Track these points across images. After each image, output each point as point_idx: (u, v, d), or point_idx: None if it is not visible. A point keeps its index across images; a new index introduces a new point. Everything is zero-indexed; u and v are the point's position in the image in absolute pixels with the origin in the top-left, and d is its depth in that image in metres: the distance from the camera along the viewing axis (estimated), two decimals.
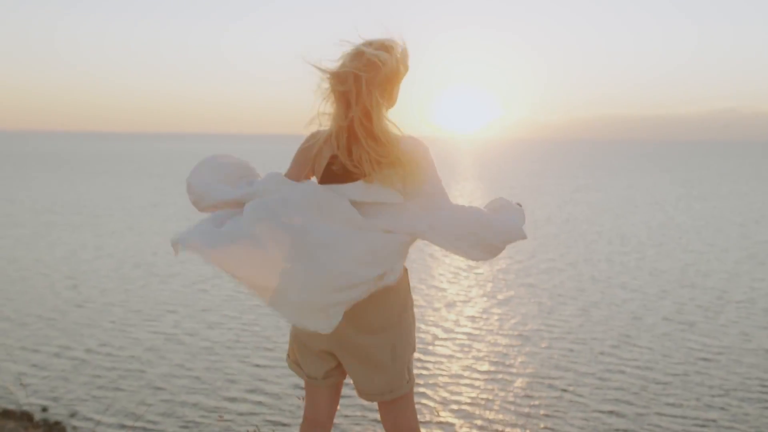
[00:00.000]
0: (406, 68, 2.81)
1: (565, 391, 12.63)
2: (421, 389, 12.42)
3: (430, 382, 12.85)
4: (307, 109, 2.82)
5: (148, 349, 14.64)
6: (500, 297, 19.64)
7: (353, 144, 2.68)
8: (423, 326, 16.42)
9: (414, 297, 15.96)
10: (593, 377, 13.25)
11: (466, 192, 58.26)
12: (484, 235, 2.72)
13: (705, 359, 14.34)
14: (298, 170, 2.86)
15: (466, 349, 14.93)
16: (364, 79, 2.64)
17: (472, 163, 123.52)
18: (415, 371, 13.08)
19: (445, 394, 12.30)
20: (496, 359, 14.27)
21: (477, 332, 16.17)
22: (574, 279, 22.33)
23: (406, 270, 2.88)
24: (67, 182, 61.61)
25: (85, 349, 14.63)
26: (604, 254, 27.20)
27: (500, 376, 13.32)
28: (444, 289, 20.33)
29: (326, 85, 2.72)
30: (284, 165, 2.92)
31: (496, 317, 17.46)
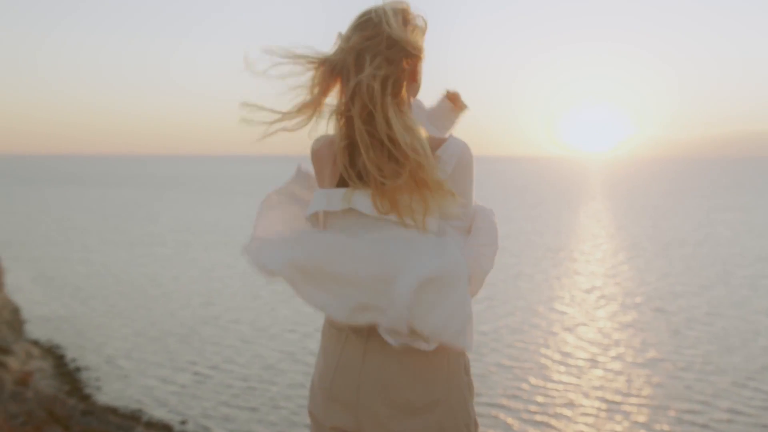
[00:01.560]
0: (421, 47, 1.97)
1: (695, 425, 11.83)
2: (539, 417, 12.01)
3: (548, 411, 12.42)
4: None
5: (269, 366, 15.07)
6: (625, 321, 18.77)
7: (356, 155, 1.90)
8: (543, 350, 15.92)
9: (534, 319, 15.66)
10: (732, 413, 12.35)
11: (593, 211, 56.39)
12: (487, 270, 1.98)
13: None
14: (323, 180, 2.07)
15: (587, 375, 14.34)
16: (369, 55, 1.86)
17: (602, 182, 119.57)
18: (534, 398, 12.69)
19: (564, 424, 11.85)
20: (619, 388, 13.62)
21: (599, 358, 15.51)
22: (710, 303, 21.01)
23: None
24: (203, 203, 64.97)
25: (211, 366, 15.26)
26: (744, 277, 25.45)
27: (624, 407, 12.69)
28: (563, 312, 19.69)
29: (310, 77, 1.93)
30: None
31: (621, 343, 16.69)
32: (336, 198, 1.92)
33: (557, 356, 15.64)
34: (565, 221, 48.54)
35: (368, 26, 1.91)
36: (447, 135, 2.01)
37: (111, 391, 13.75)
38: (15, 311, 32.02)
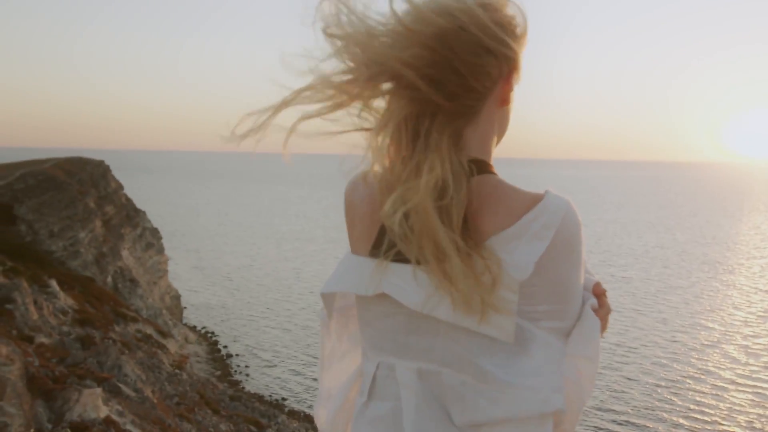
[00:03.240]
0: (517, 53, 1.31)
1: None
2: None
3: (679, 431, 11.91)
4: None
5: None
6: None
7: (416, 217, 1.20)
8: (682, 366, 15.17)
9: (676, 334, 15.06)
10: None
11: (755, 223, 52.56)
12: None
13: None
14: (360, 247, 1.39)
15: (728, 396, 13.57)
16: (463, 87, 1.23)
17: None
18: (666, 415, 12.17)
19: None
20: (765, 414, 12.79)
21: (744, 380, 14.59)
22: None
23: None
24: None
25: None
26: None
27: None
28: (711, 327, 18.64)
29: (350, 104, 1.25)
30: None
31: None
32: (367, 273, 1.32)
33: (698, 374, 14.93)
34: (723, 232, 45.67)
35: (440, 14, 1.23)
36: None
37: (257, 378, 14.75)
38: (176, 297, 34.63)
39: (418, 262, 1.20)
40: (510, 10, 1.29)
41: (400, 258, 1.23)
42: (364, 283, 1.33)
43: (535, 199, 1.22)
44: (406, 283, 1.26)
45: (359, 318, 1.43)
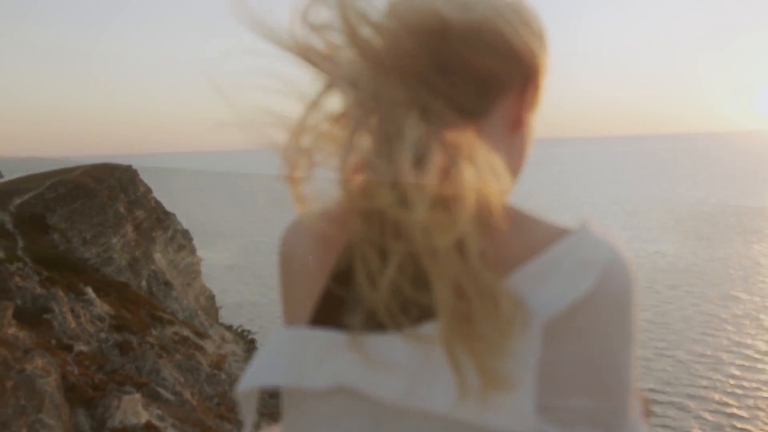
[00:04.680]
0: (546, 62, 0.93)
1: None
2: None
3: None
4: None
5: None
6: None
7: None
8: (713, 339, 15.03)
9: (708, 307, 14.75)
10: None
11: None
12: None
13: None
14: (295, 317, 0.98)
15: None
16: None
17: None
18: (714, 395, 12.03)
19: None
20: None
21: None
22: None
23: None
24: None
25: None
26: None
27: None
28: (743, 299, 18.42)
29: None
30: None
31: None
32: (311, 353, 0.87)
33: (733, 347, 14.80)
34: (757, 200, 44.94)
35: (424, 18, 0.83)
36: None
37: None
38: (210, 298, 35.11)
39: (399, 326, 0.77)
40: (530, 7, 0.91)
41: (368, 326, 0.80)
42: (305, 370, 0.85)
43: (565, 231, 0.82)
44: (378, 364, 0.80)
45: (287, 427, 0.94)
